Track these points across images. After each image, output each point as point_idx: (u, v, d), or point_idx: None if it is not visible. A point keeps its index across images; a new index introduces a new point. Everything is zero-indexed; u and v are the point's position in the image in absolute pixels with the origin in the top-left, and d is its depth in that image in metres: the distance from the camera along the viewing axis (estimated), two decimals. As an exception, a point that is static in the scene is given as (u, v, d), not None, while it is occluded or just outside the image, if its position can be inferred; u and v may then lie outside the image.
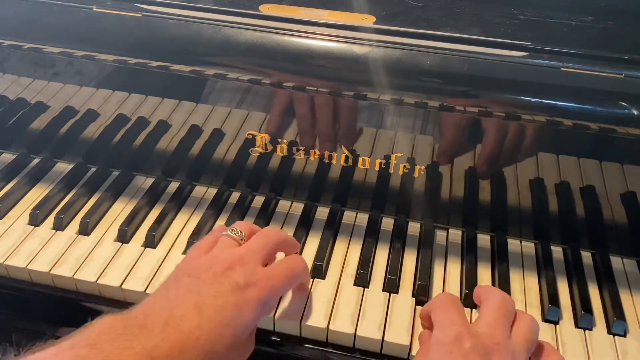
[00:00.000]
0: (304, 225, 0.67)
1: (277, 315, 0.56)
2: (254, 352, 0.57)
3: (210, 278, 0.47)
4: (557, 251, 0.65)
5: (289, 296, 0.57)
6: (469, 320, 0.48)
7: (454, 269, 0.63)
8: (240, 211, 0.68)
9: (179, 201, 0.70)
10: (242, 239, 0.53)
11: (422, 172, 0.63)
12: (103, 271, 0.59)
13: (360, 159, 0.64)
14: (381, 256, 0.64)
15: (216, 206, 0.68)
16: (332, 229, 0.66)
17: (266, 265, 0.51)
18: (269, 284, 0.48)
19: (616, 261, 0.64)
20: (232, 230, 0.53)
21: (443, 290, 0.60)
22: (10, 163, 0.75)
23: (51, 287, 0.61)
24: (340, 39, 0.58)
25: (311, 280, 0.60)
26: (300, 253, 0.63)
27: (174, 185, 0.72)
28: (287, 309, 0.56)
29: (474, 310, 0.58)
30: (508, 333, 0.47)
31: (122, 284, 0.58)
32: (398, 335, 0.54)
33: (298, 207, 0.70)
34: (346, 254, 0.64)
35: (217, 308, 0.45)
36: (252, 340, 0.50)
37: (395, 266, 0.61)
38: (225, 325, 0.45)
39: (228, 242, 0.52)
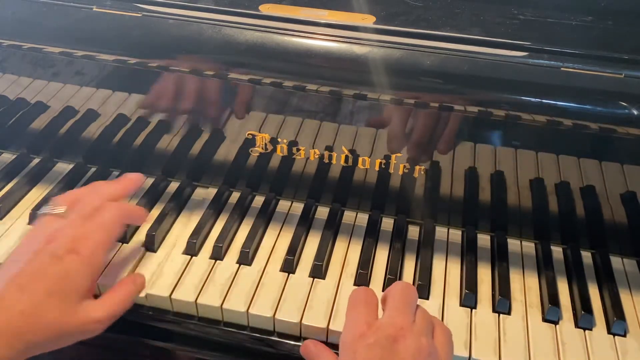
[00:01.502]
0: (304, 225, 0.66)
1: (277, 314, 0.56)
2: (253, 352, 0.57)
3: (31, 257, 0.49)
4: (557, 251, 0.65)
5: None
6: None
7: (454, 269, 0.63)
8: (240, 211, 0.68)
9: (179, 201, 0.69)
10: (63, 212, 0.54)
11: (422, 172, 0.63)
12: (103, 272, 0.59)
13: (360, 159, 0.64)
14: (381, 256, 0.64)
15: (216, 206, 0.68)
16: (332, 229, 0.66)
17: None
18: (88, 245, 0.50)
19: (616, 261, 0.64)
20: (51, 207, 0.54)
21: (444, 291, 0.60)
22: (10, 163, 0.75)
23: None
24: (340, 39, 0.58)
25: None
26: (300, 253, 0.63)
27: (174, 185, 0.72)
28: (286, 307, 0.56)
29: (473, 310, 0.58)
30: (412, 317, 0.48)
31: (122, 284, 0.58)
32: (398, 335, 0.54)
33: (298, 207, 0.70)
34: (346, 254, 0.64)
35: (37, 280, 0.47)
36: (101, 306, 0.51)
37: (395, 266, 0.61)
38: (50, 294, 0.47)
39: (48, 220, 0.53)
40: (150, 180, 0.73)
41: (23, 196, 0.70)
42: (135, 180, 0.60)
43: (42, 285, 0.47)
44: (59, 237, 0.51)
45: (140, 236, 0.64)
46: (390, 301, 0.50)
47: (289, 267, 0.61)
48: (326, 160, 0.65)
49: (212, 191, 0.71)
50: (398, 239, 0.66)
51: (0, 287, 0.47)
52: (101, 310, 0.51)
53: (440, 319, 0.56)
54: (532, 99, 0.54)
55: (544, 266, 0.62)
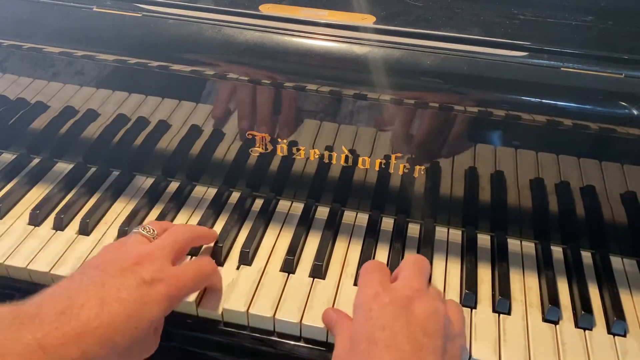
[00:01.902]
0: (304, 225, 0.66)
1: (277, 314, 0.56)
2: (253, 351, 0.57)
3: (117, 271, 0.47)
4: (557, 251, 0.65)
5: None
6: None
7: (454, 268, 0.63)
8: (241, 211, 0.68)
9: (179, 201, 0.70)
10: (153, 237, 0.53)
11: (422, 172, 0.63)
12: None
13: (360, 159, 0.64)
14: (381, 256, 0.64)
15: (216, 206, 0.68)
16: (332, 229, 0.66)
17: (175, 264, 0.52)
18: (176, 282, 0.49)
19: (616, 261, 0.64)
20: (143, 228, 0.54)
21: (444, 291, 0.60)
22: (10, 163, 0.75)
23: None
24: (340, 39, 0.58)
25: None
26: (300, 253, 0.63)
27: (174, 185, 0.72)
28: (286, 308, 0.56)
29: (473, 310, 0.58)
30: (426, 283, 0.50)
31: (122, 284, 0.58)
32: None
33: (298, 207, 0.70)
34: (346, 254, 0.64)
35: (120, 300, 0.45)
36: (158, 336, 0.51)
37: (395, 266, 0.61)
38: (127, 318, 0.45)
39: (139, 239, 0.53)
40: (150, 180, 0.73)
41: (23, 196, 0.70)
42: (211, 237, 0.61)
43: (123, 306, 0.45)
44: (148, 262, 0.49)
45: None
46: (405, 269, 0.51)
47: (289, 267, 0.61)
48: (326, 160, 0.65)
49: (212, 191, 0.71)
50: (398, 239, 0.66)
51: (83, 294, 0.45)
52: (158, 341, 0.50)
53: (464, 327, 0.56)
54: (532, 99, 0.54)
55: (544, 266, 0.62)
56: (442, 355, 0.45)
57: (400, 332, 0.44)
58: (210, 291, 0.58)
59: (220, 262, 0.61)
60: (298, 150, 0.65)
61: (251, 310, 0.56)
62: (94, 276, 0.47)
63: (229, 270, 0.60)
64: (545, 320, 0.57)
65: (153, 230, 0.54)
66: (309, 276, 0.61)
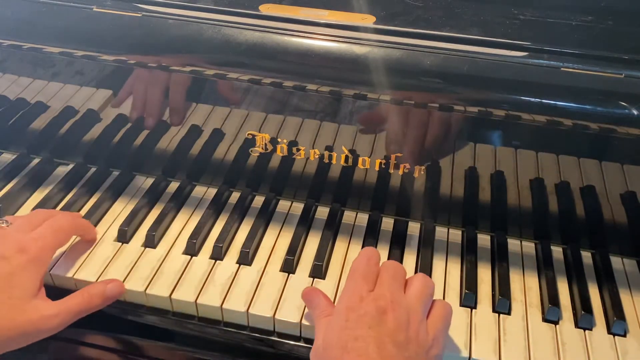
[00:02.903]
0: (304, 225, 0.66)
1: (277, 314, 0.56)
2: (253, 351, 0.57)
3: None
4: (557, 251, 0.65)
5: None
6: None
7: (454, 269, 0.63)
8: (240, 211, 0.68)
9: (179, 201, 0.70)
10: (8, 225, 0.56)
11: (422, 172, 0.63)
12: (103, 271, 0.59)
13: (360, 159, 0.64)
14: (381, 256, 0.64)
15: (216, 206, 0.68)
16: (332, 229, 0.66)
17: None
18: (34, 245, 0.52)
19: (616, 261, 0.64)
20: (1, 221, 0.56)
21: (444, 291, 0.60)
22: (10, 163, 0.75)
23: (51, 287, 0.60)
24: (340, 39, 0.58)
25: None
26: (300, 253, 0.63)
27: (174, 185, 0.72)
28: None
29: (473, 310, 0.58)
30: (401, 291, 0.51)
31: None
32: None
33: (298, 207, 0.70)
34: (346, 254, 0.64)
35: None
36: (52, 305, 0.52)
37: (395, 266, 0.61)
38: None
39: None
40: (150, 180, 0.73)
41: (23, 196, 0.70)
42: (88, 228, 0.63)
43: None
44: (6, 240, 0.52)
45: (140, 236, 0.64)
46: (382, 277, 0.52)
47: (289, 267, 0.61)
48: (326, 160, 0.65)
49: (212, 191, 0.71)
50: (398, 239, 0.66)
51: None
52: (55, 307, 0.52)
53: (445, 334, 0.56)
54: (532, 99, 0.54)
55: (544, 266, 0.62)
56: None
57: (372, 342, 0.46)
58: (82, 242, 0.62)
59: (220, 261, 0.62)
60: (298, 150, 0.65)
61: (251, 310, 0.56)
62: None
63: (228, 270, 0.60)
64: (545, 320, 0.57)
65: (6, 220, 0.56)
66: (309, 276, 0.61)
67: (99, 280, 0.58)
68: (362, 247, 0.65)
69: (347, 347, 0.46)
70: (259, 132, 0.65)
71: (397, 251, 0.64)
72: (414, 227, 0.68)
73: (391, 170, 0.64)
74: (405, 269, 0.54)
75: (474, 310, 0.58)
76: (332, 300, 0.58)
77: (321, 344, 0.49)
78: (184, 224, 0.67)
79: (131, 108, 0.67)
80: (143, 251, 0.62)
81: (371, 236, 0.65)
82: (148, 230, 0.63)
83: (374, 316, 0.48)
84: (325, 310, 0.52)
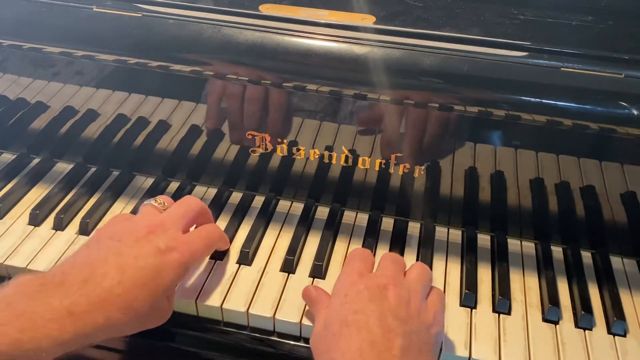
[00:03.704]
0: (304, 225, 0.66)
1: (277, 314, 0.56)
2: (253, 351, 0.57)
3: (132, 241, 0.50)
4: (557, 251, 0.65)
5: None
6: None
7: (454, 269, 0.63)
8: (241, 211, 0.68)
9: (179, 201, 0.69)
10: (164, 209, 0.56)
11: (422, 172, 0.63)
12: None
13: (360, 159, 0.64)
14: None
15: (216, 206, 0.68)
16: (332, 229, 0.66)
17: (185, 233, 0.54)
18: (188, 249, 0.51)
19: (616, 261, 0.64)
20: (155, 200, 0.56)
21: (444, 291, 0.60)
22: (10, 163, 0.75)
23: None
24: (340, 39, 0.58)
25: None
26: (300, 253, 0.63)
27: (174, 185, 0.72)
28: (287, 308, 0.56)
29: (473, 310, 0.58)
30: (401, 274, 0.52)
31: (122, 284, 0.58)
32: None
33: (298, 207, 0.70)
34: (346, 254, 0.64)
35: (138, 268, 0.48)
36: (172, 303, 0.52)
37: (395, 266, 0.61)
38: (145, 285, 0.47)
39: (150, 210, 0.55)
40: (150, 180, 0.73)
41: (23, 196, 0.70)
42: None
43: (141, 274, 0.47)
44: (160, 231, 0.51)
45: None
46: (381, 263, 0.54)
47: (289, 267, 0.61)
48: (326, 160, 0.65)
49: (212, 191, 0.71)
50: (398, 239, 0.66)
51: (103, 263, 0.47)
52: (171, 303, 0.52)
53: (443, 314, 0.56)
54: (532, 99, 0.54)
55: (544, 266, 0.62)
56: (413, 339, 0.46)
57: (372, 315, 0.46)
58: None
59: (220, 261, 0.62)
60: (298, 150, 0.65)
61: (251, 310, 0.56)
62: (111, 246, 0.49)
63: (228, 270, 0.60)
64: (545, 320, 0.57)
65: (164, 203, 0.56)
66: (309, 276, 0.61)
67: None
68: (362, 246, 0.64)
69: (346, 320, 0.46)
70: (259, 132, 0.65)
71: (397, 251, 0.63)
72: (414, 227, 0.68)
73: (391, 170, 0.64)
74: (404, 259, 0.55)
75: (474, 310, 0.58)
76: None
77: (322, 325, 0.49)
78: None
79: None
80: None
81: (371, 236, 0.65)
82: (148, 230, 0.63)
83: (375, 291, 0.48)
84: (325, 302, 0.52)
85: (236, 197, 0.70)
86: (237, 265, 0.61)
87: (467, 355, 0.53)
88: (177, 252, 0.50)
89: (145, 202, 0.56)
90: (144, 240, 0.50)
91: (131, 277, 0.47)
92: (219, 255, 0.62)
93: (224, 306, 0.56)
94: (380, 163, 0.64)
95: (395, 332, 0.45)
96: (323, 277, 0.61)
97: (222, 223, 0.66)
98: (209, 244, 0.55)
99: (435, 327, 0.50)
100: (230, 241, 0.64)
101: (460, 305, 0.58)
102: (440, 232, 0.67)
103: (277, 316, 0.56)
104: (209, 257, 0.62)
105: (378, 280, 0.49)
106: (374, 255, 0.64)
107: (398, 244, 0.65)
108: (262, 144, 0.66)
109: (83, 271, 0.46)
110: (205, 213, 0.59)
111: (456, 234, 0.67)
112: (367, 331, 0.45)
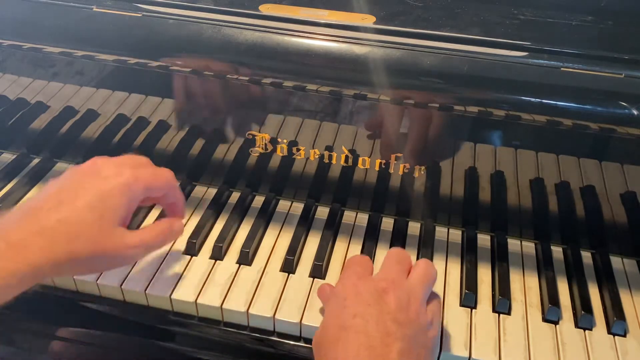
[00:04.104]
0: (304, 225, 0.66)
1: (277, 314, 0.56)
2: (253, 351, 0.57)
3: (78, 176, 0.50)
4: (557, 251, 0.65)
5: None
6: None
7: (454, 269, 0.63)
8: (240, 211, 0.68)
9: (179, 201, 0.69)
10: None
11: (422, 172, 0.63)
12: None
13: (360, 159, 0.64)
14: (381, 256, 0.63)
15: (216, 206, 0.68)
16: (332, 229, 0.66)
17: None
18: (133, 173, 0.51)
19: (616, 261, 0.64)
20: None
21: (444, 291, 0.60)
22: (10, 163, 0.75)
23: (51, 287, 0.61)
24: (340, 39, 0.58)
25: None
26: (300, 253, 0.63)
27: (174, 185, 0.72)
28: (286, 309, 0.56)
29: (473, 310, 0.58)
30: (403, 275, 0.51)
31: (122, 284, 0.58)
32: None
33: (298, 207, 0.70)
34: (346, 254, 0.64)
35: (79, 195, 0.48)
36: (130, 235, 0.50)
37: (395, 266, 0.61)
38: (91, 209, 0.47)
39: (90, 161, 0.54)
40: (150, 180, 0.73)
41: (23, 196, 0.70)
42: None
43: (83, 199, 0.47)
44: (105, 164, 0.51)
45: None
46: (385, 262, 0.53)
47: (289, 267, 0.61)
48: (326, 160, 0.65)
49: (212, 191, 0.71)
50: (398, 239, 0.66)
51: (39, 199, 0.48)
52: (136, 237, 0.51)
53: (440, 319, 0.56)
54: (532, 99, 0.54)
55: (544, 266, 0.62)
56: (411, 343, 0.46)
57: (371, 319, 0.46)
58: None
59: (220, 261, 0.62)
60: (298, 150, 0.65)
61: (251, 310, 0.56)
62: (49, 187, 0.50)
63: (228, 270, 0.60)
64: (545, 320, 0.57)
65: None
66: (309, 276, 0.61)
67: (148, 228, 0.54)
68: (362, 246, 0.65)
69: (345, 324, 0.46)
70: (259, 132, 0.65)
71: (397, 251, 0.64)
72: (414, 227, 0.68)
73: (391, 170, 0.64)
74: (410, 256, 0.55)
75: (474, 310, 0.58)
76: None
77: (322, 328, 0.49)
78: (183, 223, 0.67)
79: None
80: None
81: (371, 236, 0.65)
82: (148, 230, 0.63)
83: (374, 295, 0.48)
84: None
85: (236, 197, 0.70)
86: (237, 265, 0.61)
87: (467, 355, 0.53)
88: (120, 176, 0.50)
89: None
90: (91, 174, 0.50)
91: (72, 203, 0.47)
92: (219, 255, 0.62)
93: (224, 306, 0.56)
94: (380, 163, 0.64)
95: (394, 336, 0.45)
96: (323, 277, 0.61)
97: (222, 223, 0.66)
98: (156, 175, 0.54)
99: (433, 331, 0.50)
100: (231, 241, 0.64)
101: (460, 305, 0.58)
102: (440, 232, 0.67)
103: (277, 316, 0.56)
104: (210, 256, 0.62)
105: (377, 283, 0.49)
106: (373, 256, 0.64)
107: (398, 243, 0.65)
108: (262, 144, 0.66)
109: (25, 208, 0.47)
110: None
111: (456, 234, 0.67)
112: (365, 335, 0.45)
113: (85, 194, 0.48)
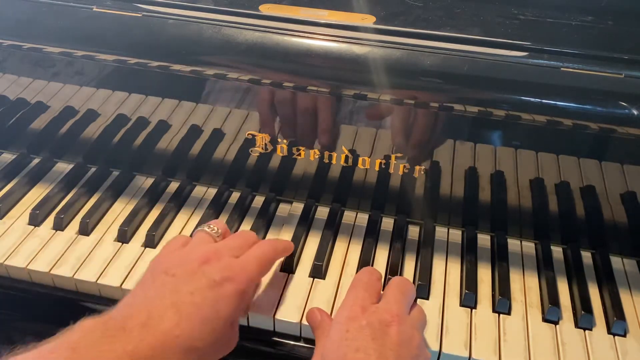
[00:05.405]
0: (304, 225, 0.66)
1: (276, 314, 0.56)
2: (254, 351, 0.57)
3: (187, 275, 0.48)
4: (557, 251, 0.65)
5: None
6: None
7: (454, 269, 0.63)
8: (240, 211, 0.68)
9: (179, 201, 0.70)
10: (217, 236, 0.54)
11: (422, 172, 0.63)
12: (103, 271, 0.59)
13: (360, 159, 0.64)
14: (381, 256, 0.64)
15: (216, 206, 0.68)
16: (332, 229, 0.66)
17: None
18: (244, 276, 0.49)
19: (616, 261, 0.64)
20: (207, 226, 0.54)
21: (444, 291, 0.60)
22: (10, 163, 0.75)
23: (51, 287, 0.61)
24: (340, 39, 0.58)
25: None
26: (300, 253, 0.63)
27: (174, 185, 0.72)
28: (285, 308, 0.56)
29: (473, 310, 0.58)
30: (407, 309, 0.51)
31: (122, 284, 0.58)
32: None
33: (298, 207, 0.70)
34: (346, 254, 0.64)
35: (194, 305, 0.46)
36: (236, 331, 0.50)
37: (395, 266, 0.61)
38: (203, 322, 0.46)
39: (203, 237, 0.53)
40: (150, 180, 0.73)
41: (23, 196, 0.70)
42: (288, 248, 0.60)
43: (199, 312, 0.46)
44: (215, 260, 0.49)
45: (140, 236, 0.64)
46: (389, 290, 0.52)
47: (288, 267, 0.61)
48: (326, 160, 0.65)
49: (212, 191, 0.71)
50: (398, 239, 0.66)
51: (159, 303, 0.46)
52: (237, 331, 0.51)
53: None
54: (532, 99, 0.54)
55: (544, 266, 0.62)
56: None
57: (374, 354, 0.45)
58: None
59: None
60: (298, 150, 0.65)
61: (251, 311, 0.56)
62: (167, 283, 0.48)
63: (229, 270, 0.60)
64: (545, 320, 0.57)
65: (217, 230, 0.55)
66: (309, 276, 0.61)
67: None
68: (362, 247, 0.65)
69: (346, 358, 0.45)
70: (259, 132, 0.65)
71: (397, 251, 0.64)
72: (414, 227, 0.68)
73: (391, 171, 0.64)
74: (414, 287, 0.54)
75: (474, 310, 0.58)
76: (332, 303, 0.58)
77: (319, 357, 0.48)
78: (184, 224, 0.67)
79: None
80: (143, 251, 0.62)
81: (371, 236, 0.65)
82: (148, 231, 0.63)
83: (377, 328, 0.47)
84: (327, 329, 0.51)
85: (236, 197, 0.70)
86: (237, 265, 0.61)
87: (467, 355, 0.53)
88: (232, 282, 0.48)
89: (198, 229, 0.55)
90: (199, 272, 0.48)
91: (189, 316, 0.45)
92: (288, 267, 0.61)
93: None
94: (380, 163, 0.64)
95: None
96: (323, 277, 0.61)
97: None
98: (264, 263, 0.53)
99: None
100: (231, 241, 0.64)
101: (460, 305, 0.58)
102: (440, 232, 0.67)
103: (277, 316, 0.56)
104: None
105: (381, 316, 0.48)
106: (373, 256, 0.64)
107: (398, 244, 0.65)
108: (262, 144, 0.66)
109: (141, 314, 0.45)
110: (284, 250, 0.58)
111: (456, 234, 0.67)
112: None
113: (201, 304, 0.46)
